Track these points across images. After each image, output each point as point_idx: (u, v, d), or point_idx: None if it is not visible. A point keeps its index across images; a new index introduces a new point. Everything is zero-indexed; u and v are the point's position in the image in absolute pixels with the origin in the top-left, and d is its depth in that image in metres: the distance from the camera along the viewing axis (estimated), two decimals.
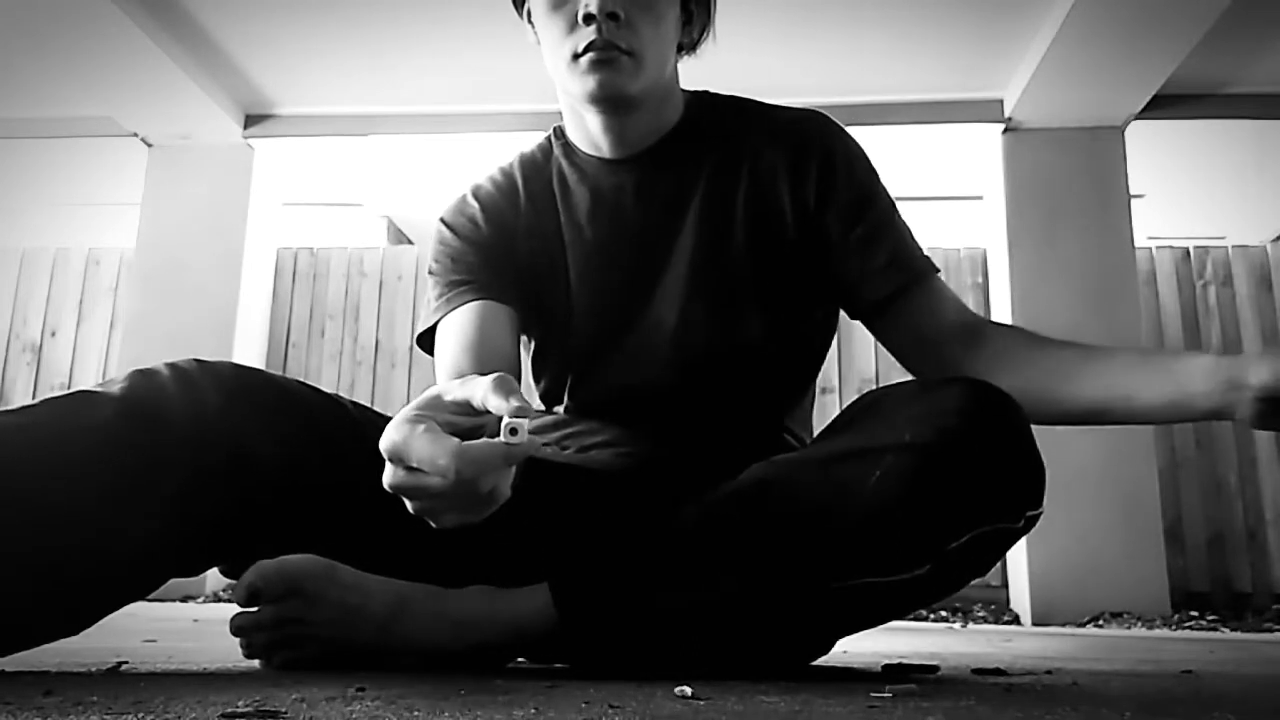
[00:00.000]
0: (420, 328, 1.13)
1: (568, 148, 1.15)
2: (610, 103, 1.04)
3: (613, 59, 1.00)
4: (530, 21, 1.10)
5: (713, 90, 1.17)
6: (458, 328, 1.06)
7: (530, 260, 1.12)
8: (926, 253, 1.10)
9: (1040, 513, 0.89)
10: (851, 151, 1.11)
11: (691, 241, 1.08)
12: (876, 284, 1.07)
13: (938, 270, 1.10)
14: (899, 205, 1.12)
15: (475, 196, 1.16)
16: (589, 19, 0.98)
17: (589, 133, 1.11)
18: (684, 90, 1.15)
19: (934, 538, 0.85)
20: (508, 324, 1.07)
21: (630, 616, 0.90)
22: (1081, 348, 1.03)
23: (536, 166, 1.16)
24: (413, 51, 3.73)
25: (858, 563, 0.86)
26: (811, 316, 1.12)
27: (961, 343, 1.06)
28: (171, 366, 0.90)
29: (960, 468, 0.84)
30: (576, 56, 1.01)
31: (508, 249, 1.12)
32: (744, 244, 1.07)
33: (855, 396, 0.99)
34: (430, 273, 1.14)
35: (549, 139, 1.17)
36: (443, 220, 1.16)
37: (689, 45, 1.12)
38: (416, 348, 4.90)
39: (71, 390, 0.86)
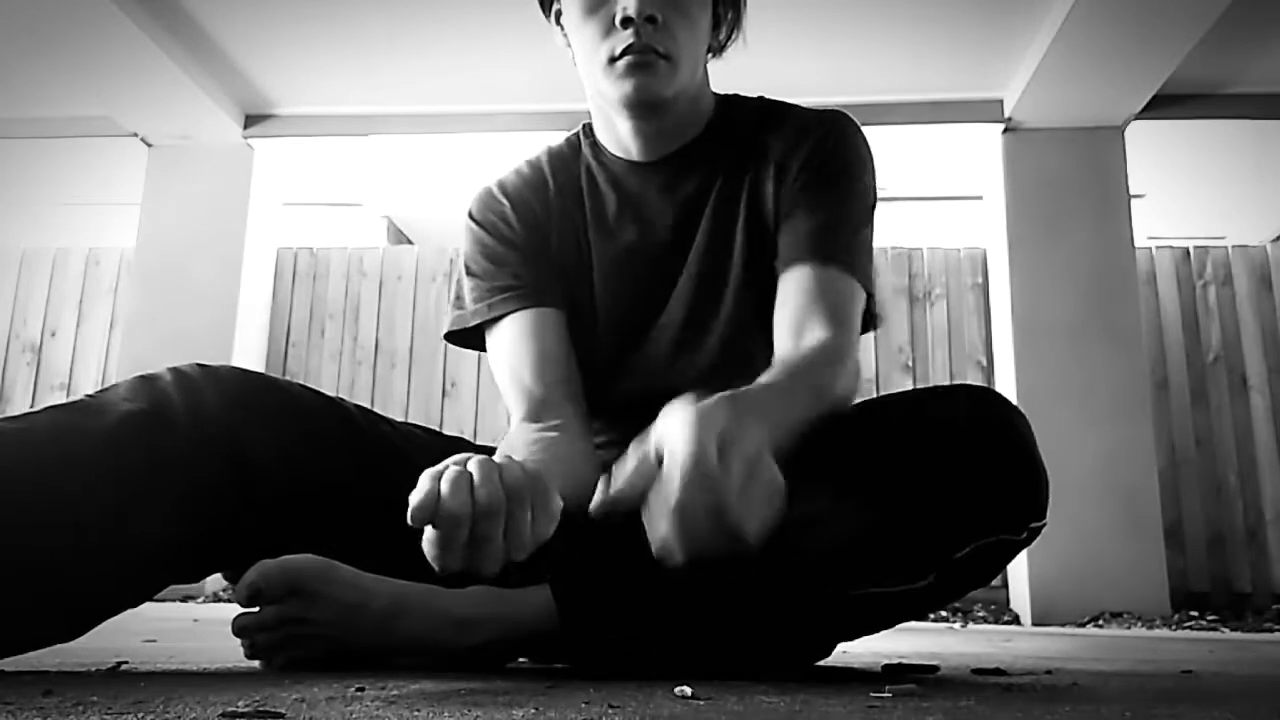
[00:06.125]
0: (454, 325, 1.12)
1: (596, 147, 1.15)
2: (645, 107, 1.04)
3: (650, 63, 1.00)
4: (559, 24, 1.09)
5: (744, 93, 1.16)
6: (514, 339, 1.07)
7: (559, 254, 1.12)
8: (855, 260, 1.03)
9: (1044, 524, 0.88)
10: (844, 148, 1.07)
11: (703, 248, 1.08)
12: (780, 245, 1.03)
13: (858, 281, 1.03)
14: (875, 212, 1.09)
15: (503, 191, 1.15)
16: (627, 22, 0.98)
17: (618, 135, 1.11)
18: (715, 93, 1.15)
19: (937, 549, 0.85)
20: (560, 329, 1.08)
21: (631, 618, 0.90)
22: None
23: (565, 161, 1.16)
24: (413, 51, 3.73)
25: (861, 573, 0.86)
26: None
27: (778, 351, 1.00)
28: (174, 371, 0.90)
29: (964, 479, 0.84)
30: (613, 60, 1.00)
31: (542, 246, 1.12)
32: (741, 249, 1.07)
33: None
34: (468, 271, 1.13)
35: (578, 135, 1.17)
36: (472, 216, 1.15)
37: (717, 48, 1.12)
38: (416, 349, 4.82)
39: (74, 399, 0.86)
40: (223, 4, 3.46)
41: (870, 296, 1.06)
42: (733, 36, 1.12)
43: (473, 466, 0.71)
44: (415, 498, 0.68)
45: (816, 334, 0.97)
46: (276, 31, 3.62)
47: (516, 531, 0.71)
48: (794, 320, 0.99)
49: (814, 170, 1.05)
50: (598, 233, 1.11)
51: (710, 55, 1.12)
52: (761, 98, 1.16)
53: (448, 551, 0.69)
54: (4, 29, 3.47)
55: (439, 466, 0.72)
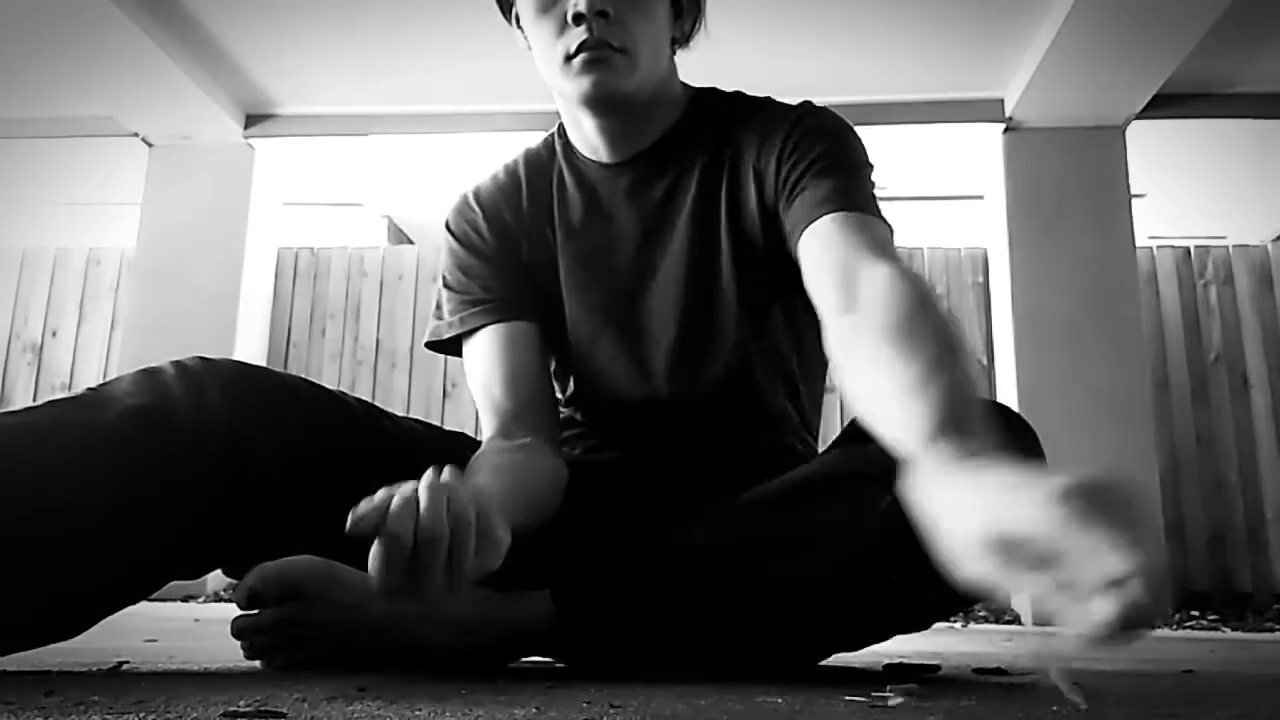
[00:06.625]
0: (431, 336, 1.13)
1: (568, 148, 1.14)
2: (605, 103, 1.02)
3: (605, 58, 0.98)
4: (519, 26, 1.08)
5: (719, 88, 1.14)
6: (484, 353, 1.07)
7: (531, 262, 1.11)
8: (878, 211, 0.97)
9: None
10: (817, 129, 1.03)
11: (683, 249, 1.06)
12: (791, 219, 0.97)
13: (880, 219, 0.96)
14: (874, 179, 1.03)
15: (477, 200, 1.15)
16: (579, 19, 0.97)
17: (585, 135, 1.10)
18: (688, 87, 1.13)
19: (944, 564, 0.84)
20: (532, 342, 1.08)
21: (631, 624, 0.90)
22: (909, 375, 0.72)
23: (540, 165, 1.15)
24: (413, 51, 3.73)
25: (865, 587, 0.86)
26: (794, 319, 1.10)
27: (834, 307, 0.87)
28: (176, 364, 0.89)
29: None
30: (569, 58, 0.99)
31: (513, 257, 1.11)
32: (728, 250, 1.05)
33: None
34: (444, 284, 1.13)
35: (553, 136, 1.16)
36: (448, 226, 1.15)
37: (681, 39, 1.10)
38: (417, 349, 4.81)
39: (75, 392, 0.86)
40: (223, 4, 3.46)
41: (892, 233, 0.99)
42: (696, 26, 1.10)
43: (423, 491, 0.70)
44: (361, 507, 0.68)
45: (880, 271, 0.84)
46: (277, 31, 3.62)
47: (456, 561, 0.70)
48: (841, 268, 0.88)
49: (805, 149, 1.01)
50: (564, 236, 1.10)
51: (675, 47, 1.10)
52: (737, 92, 1.13)
53: (389, 570, 0.69)
54: (6, 30, 3.47)
55: (398, 485, 0.72)
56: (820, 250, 0.93)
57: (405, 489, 0.70)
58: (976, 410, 0.68)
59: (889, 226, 0.97)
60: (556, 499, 0.99)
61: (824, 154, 1.00)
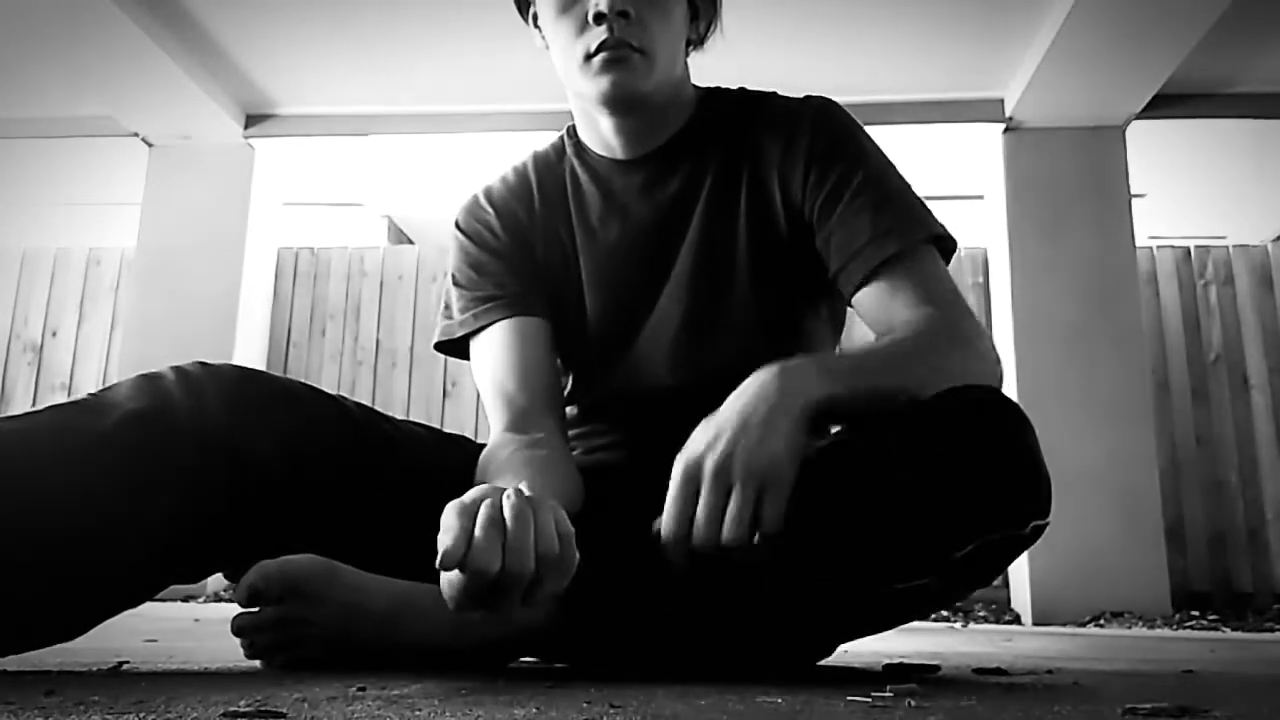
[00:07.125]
0: (442, 336, 1.13)
1: (580, 148, 1.14)
2: (623, 102, 1.03)
3: (625, 57, 0.99)
4: (537, 26, 1.09)
5: (724, 86, 1.16)
6: (497, 348, 1.07)
7: (546, 261, 1.12)
8: (910, 226, 1.01)
9: (1047, 523, 0.88)
10: (837, 133, 1.06)
11: (696, 243, 1.07)
12: (847, 272, 1.01)
13: (927, 238, 1.01)
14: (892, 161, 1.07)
15: (488, 200, 1.15)
16: (600, 18, 0.98)
17: (601, 134, 1.10)
18: (697, 87, 1.14)
19: (940, 546, 0.84)
20: (544, 339, 1.09)
21: (632, 620, 0.90)
22: None
23: (550, 166, 1.16)
24: (413, 51, 3.73)
25: (861, 573, 0.86)
26: (815, 315, 1.12)
27: None
28: (176, 370, 0.90)
29: (966, 478, 0.83)
30: (589, 57, 1.00)
31: (527, 255, 1.12)
32: (745, 246, 1.07)
33: None
34: (454, 282, 1.13)
35: (562, 139, 1.17)
36: (458, 225, 1.15)
37: (696, 40, 1.11)
38: (417, 349, 4.83)
39: (76, 398, 0.86)
40: (223, 4, 3.46)
41: (943, 233, 1.03)
42: (711, 28, 1.11)
43: (510, 518, 0.69)
44: (446, 541, 0.68)
45: (903, 319, 0.96)
46: (276, 31, 3.62)
47: (539, 594, 0.71)
48: (884, 330, 0.98)
49: (830, 162, 1.04)
50: (583, 234, 1.11)
51: (690, 48, 1.11)
52: (742, 89, 1.15)
53: (470, 599, 0.69)
54: (5, 29, 3.47)
55: (467, 501, 0.71)
56: (870, 321, 1.02)
57: (485, 512, 0.70)
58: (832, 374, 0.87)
59: (927, 236, 1.01)
60: (580, 497, 1.00)
61: (851, 173, 1.03)
